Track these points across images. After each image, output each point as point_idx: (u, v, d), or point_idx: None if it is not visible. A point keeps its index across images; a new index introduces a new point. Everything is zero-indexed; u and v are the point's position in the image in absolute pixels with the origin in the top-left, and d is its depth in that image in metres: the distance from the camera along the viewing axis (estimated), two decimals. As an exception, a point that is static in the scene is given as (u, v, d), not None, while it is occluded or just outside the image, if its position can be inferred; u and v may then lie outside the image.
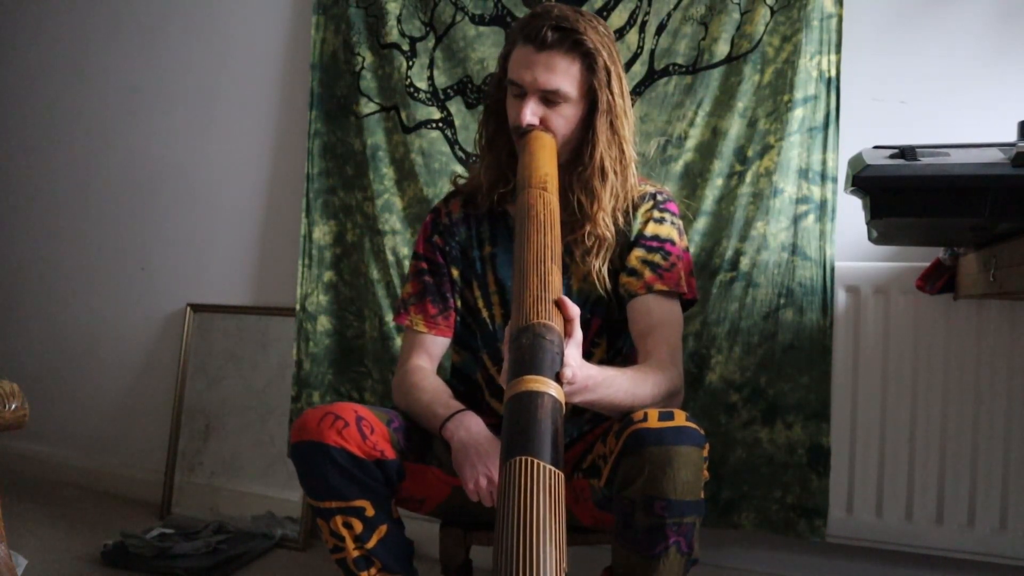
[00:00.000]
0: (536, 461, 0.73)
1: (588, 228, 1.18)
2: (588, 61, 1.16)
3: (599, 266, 1.19)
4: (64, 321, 2.46)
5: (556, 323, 0.90)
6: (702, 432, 0.98)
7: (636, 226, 1.23)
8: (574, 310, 0.93)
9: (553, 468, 0.74)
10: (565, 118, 1.18)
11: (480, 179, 1.30)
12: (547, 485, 0.72)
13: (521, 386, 0.81)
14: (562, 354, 0.87)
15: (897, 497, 1.46)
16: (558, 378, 0.84)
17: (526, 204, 1.06)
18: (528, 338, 0.86)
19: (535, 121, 1.17)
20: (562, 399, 0.84)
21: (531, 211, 1.04)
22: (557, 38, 1.14)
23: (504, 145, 1.26)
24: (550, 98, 1.17)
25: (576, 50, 1.15)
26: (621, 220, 1.22)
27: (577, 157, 1.20)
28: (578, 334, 0.92)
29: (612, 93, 1.17)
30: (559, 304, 0.92)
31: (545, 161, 1.13)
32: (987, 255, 1.14)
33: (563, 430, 0.82)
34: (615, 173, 1.19)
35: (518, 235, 1.04)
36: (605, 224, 1.18)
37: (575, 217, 1.19)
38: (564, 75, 1.15)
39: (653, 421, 0.97)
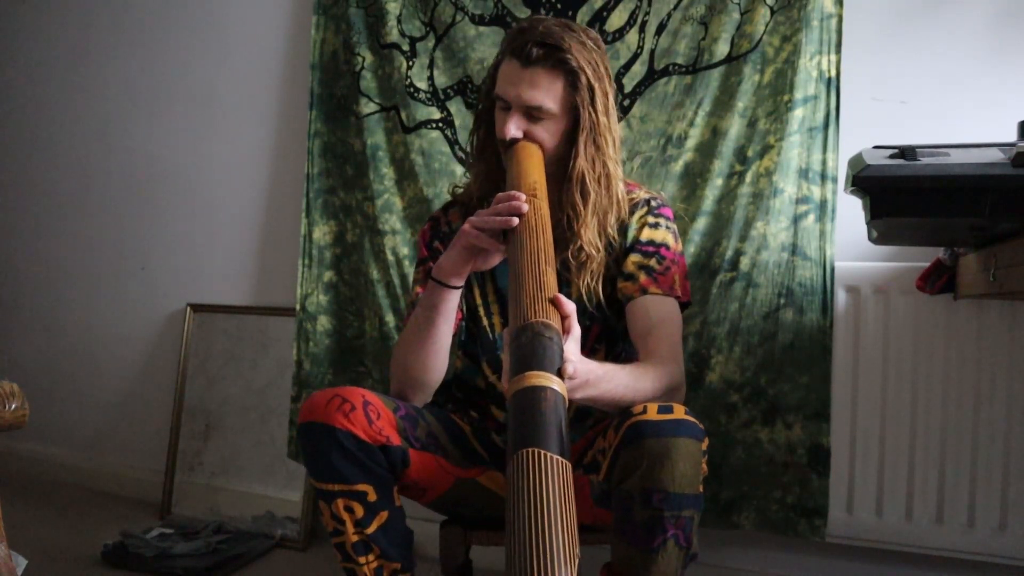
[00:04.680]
0: (544, 452, 0.74)
1: (578, 244, 1.19)
2: (571, 79, 1.16)
3: (588, 282, 1.20)
4: (64, 321, 2.46)
5: (554, 321, 0.90)
6: (701, 426, 0.99)
7: (631, 232, 1.24)
8: (570, 306, 0.93)
9: (560, 458, 0.75)
10: (549, 133, 1.19)
11: (473, 189, 1.31)
12: (556, 474, 0.73)
13: (524, 382, 0.82)
14: (562, 350, 0.88)
15: (897, 497, 1.46)
16: (560, 373, 0.85)
17: None
18: (527, 336, 0.86)
19: (519, 135, 1.18)
20: (565, 394, 0.84)
21: (522, 217, 1.05)
22: (541, 55, 1.15)
23: (494, 154, 1.27)
24: (533, 114, 1.17)
25: (560, 67, 1.15)
26: (616, 233, 1.23)
27: (563, 171, 1.21)
28: (576, 330, 0.93)
29: (595, 111, 1.17)
30: (555, 302, 0.93)
31: (532, 169, 1.14)
32: (987, 255, 1.14)
33: (568, 422, 0.82)
34: (597, 192, 1.20)
35: (511, 242, 1.05)
36: (590, 241, 1.19)
37: (566, 235, 1.20)
38: (547, 92, 1.16)
39: (652, 414, 0.97)
